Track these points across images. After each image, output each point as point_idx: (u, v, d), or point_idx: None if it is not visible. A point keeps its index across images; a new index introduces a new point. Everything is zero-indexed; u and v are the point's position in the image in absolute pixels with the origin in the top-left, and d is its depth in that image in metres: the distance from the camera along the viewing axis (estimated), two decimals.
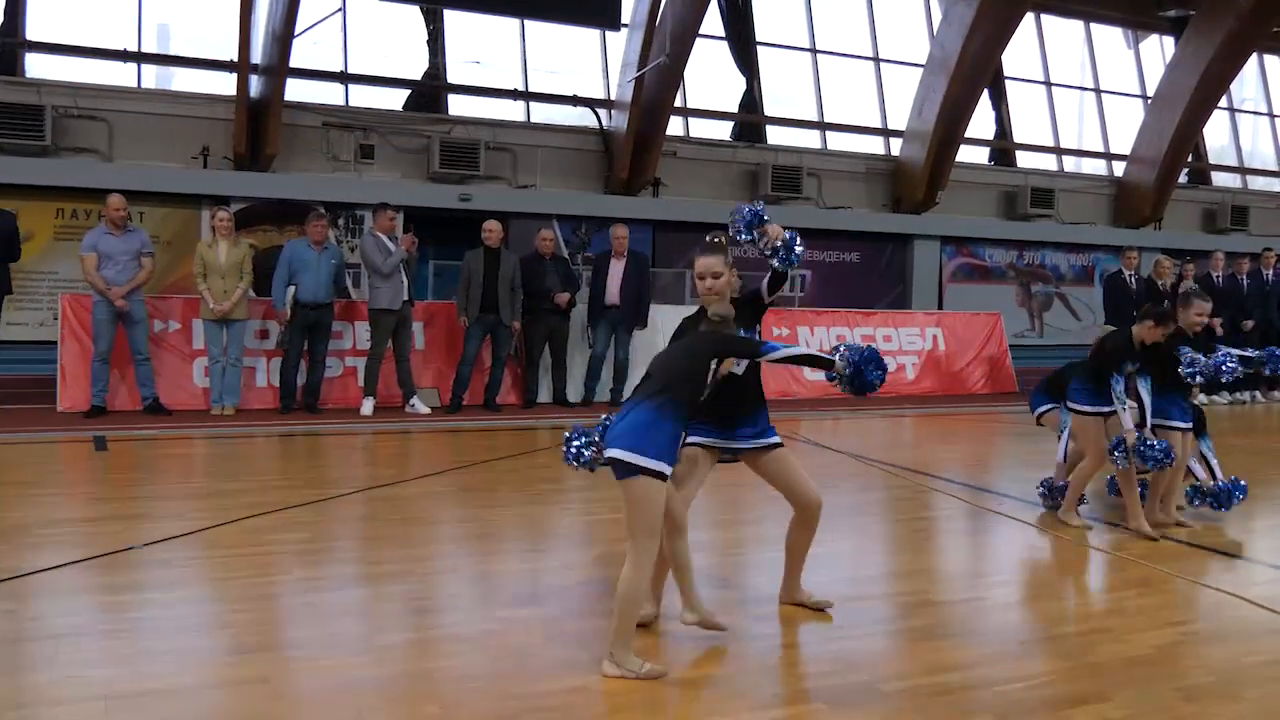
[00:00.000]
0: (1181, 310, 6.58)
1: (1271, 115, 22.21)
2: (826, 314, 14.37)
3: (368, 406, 10.90)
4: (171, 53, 14.22)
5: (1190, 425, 6.73)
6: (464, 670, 3.93)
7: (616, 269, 12.04)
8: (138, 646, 4.13)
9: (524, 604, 4.73)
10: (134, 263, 10.26)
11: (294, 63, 13.27)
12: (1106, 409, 6.44)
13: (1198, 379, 6.41)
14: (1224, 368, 6.36)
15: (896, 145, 17.80)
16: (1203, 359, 6.36)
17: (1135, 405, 6.43)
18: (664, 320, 13.01)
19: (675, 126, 16.12)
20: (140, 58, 13.71)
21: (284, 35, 12.73)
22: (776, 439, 4.64)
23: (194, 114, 13.50)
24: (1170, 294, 13.82)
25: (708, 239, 4.44)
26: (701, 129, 16.84)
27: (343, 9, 14.37)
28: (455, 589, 5.12)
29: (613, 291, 12.01)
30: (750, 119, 16.96)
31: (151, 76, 14.03)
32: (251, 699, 3.63)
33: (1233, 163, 21.73)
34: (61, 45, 13.27)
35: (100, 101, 13.14)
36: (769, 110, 17.19)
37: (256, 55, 13.28)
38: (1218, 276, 14.61)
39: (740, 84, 16.90)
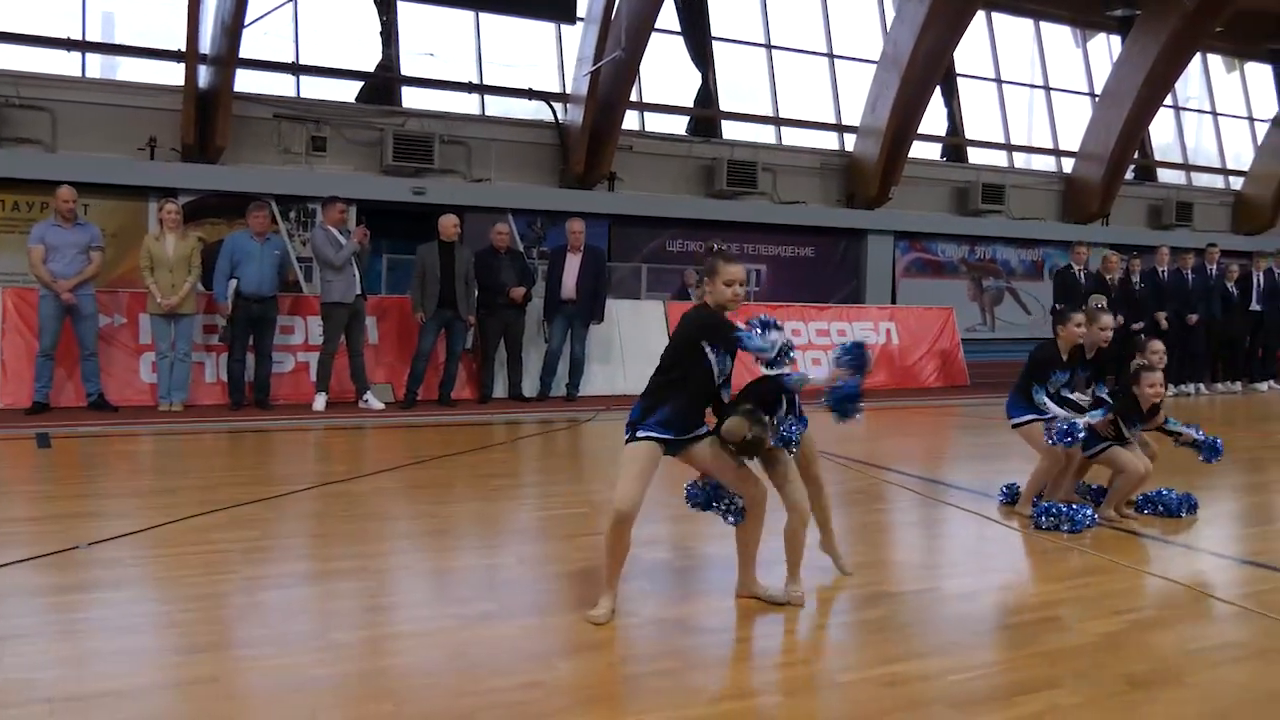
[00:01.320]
0: (1089, 326, 6.65)
1: (1214, 114, 22.56)
2: (781, 308, 14.39)
3: (320, 402, 10.79)
4: (117, 42, 14.00)
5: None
6: (418, 667, 3.90)
7: (573, 263, 12.00)
8: (85, 647, 4.06)
9: (479, 600, 4.70)
10: (82, 256, 10.08)
11: (244, 53, 13.13)
12: (1045, 416, 6.53)
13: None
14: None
15: (850, 141, 17.90)
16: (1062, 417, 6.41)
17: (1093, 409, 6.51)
18: (621, 315, 13.01)
19: (631, 121, 16.11)
20: (85, 46, 13.50)
21: (234, 25, 12.58)
22: (705, 428, 4.68)
23: (140, 104, 13.31)
24: (1119, 288, 14.02)
25: (724, 249, 4.65)
26: (657, 123, 16.84)
27: None
28: (409, 586, 5.08)
29: (569, 286, 11.97)
30: (706, 114, 16.98)
31: (96, 66, 13.82)
32: (202, 699, 3.58)
33: (1177, 160, 22.05)
34: (3, 33, 13.01)
35: (44, 91, 12.92)
36: (724, 105, 17.22)
37: (205, 45, 13.11)
38: (1163, 271, 14.81)
39: (696, 79, 16.91)
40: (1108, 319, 6.80)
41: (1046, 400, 6.50)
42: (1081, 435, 6.28)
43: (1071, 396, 6.72)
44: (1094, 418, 6.38)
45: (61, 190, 10.15)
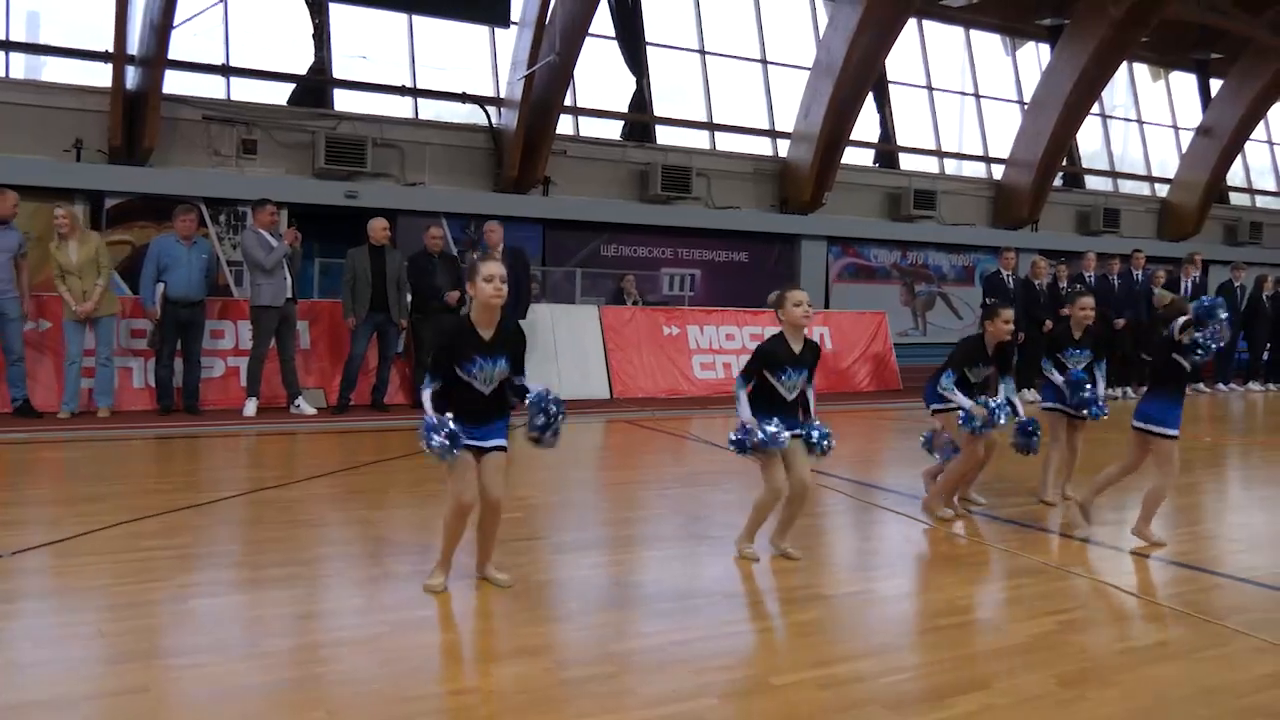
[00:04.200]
0: (988, 321, 6.74)
1: (1141, 122, 23.05)
2: (715, 313, 14.48)
3: (250, 407, 10.65)
4: (42, 42, 13.71)
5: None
6: (352, 674, 3.87)
7: None
8: (8, 658, 3.97)
9: (412, 607, 4.67)
10: (9, 262, 9.89)
11: (173, 54, 12.92)
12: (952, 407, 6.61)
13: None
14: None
15: (784, 146, 18.01)
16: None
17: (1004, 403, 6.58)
18: (555, 320, 12.99)
19: (565, 125, 16.09)
20: (9, 46, 13.20)
21: (162, 26, 12.37)
22: (502, 442, 4.92)
23: (66, 105, 13.02)
24: (1047, 292, 14.28)
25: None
26: (591, 128, 16.84)
27: (224, 0, 14.01)
28: (342, 593, 5.03)
29: None
30: (640, 119, 17.01)
31: (21, 66, 13.53)
32: (132, 709, 3.52)
33: (1105, 167, 22.48)
34: None
35: None
36: (659, 110, 17.26)
37: (133, 46, 12.87)
38: (1090, 276, 15.10)
39: (630, 84, 16.94)
40: (1008, 312, 6.89)
41: (953, 388, 6.55)
42: (1000, 418, 6.39)
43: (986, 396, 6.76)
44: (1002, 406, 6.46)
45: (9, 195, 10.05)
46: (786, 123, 17.93)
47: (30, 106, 12.88)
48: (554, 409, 4.80)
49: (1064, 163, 20.60)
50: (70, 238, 10.19)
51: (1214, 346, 5.96)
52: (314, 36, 14.83)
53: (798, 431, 5.58)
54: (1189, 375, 6.15)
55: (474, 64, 16.06)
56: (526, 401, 4.78)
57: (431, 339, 4.52)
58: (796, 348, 5.54)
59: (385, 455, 8.61)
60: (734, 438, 5.50)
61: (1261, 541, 6.58)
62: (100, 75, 13.14)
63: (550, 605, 4.75)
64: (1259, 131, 23.46)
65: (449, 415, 4.65)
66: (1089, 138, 22.06)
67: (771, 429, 5.38)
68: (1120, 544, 6.23)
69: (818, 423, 5.62)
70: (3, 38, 13.13)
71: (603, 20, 16.05)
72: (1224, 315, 5.94)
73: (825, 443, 5.58)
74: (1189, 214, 22.16)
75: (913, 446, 9.64)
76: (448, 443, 4.58)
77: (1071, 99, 18.90)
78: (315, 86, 14.83)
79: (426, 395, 4.75)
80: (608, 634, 4.33)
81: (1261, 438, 12.09)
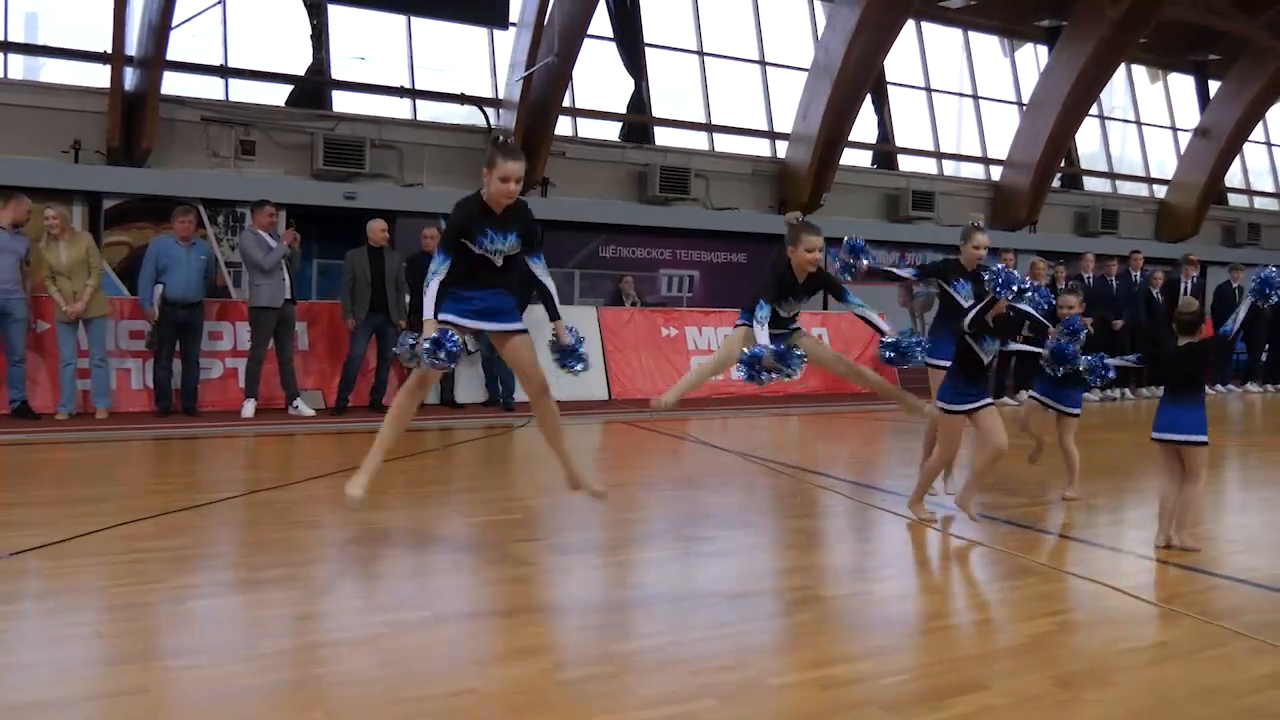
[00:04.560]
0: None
1: (1139, 123, 23.06)
2: (714, 314, 14.48)
3: (249, 408, 10.65)
4: (41, 43, 13.71)
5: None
6: (350, 676, 3.86)
7: None
8: (6, 659, 3.97)
9: (410, 607, 4.66)
10: (16, 265, 9.90)
11: (171, 55, 12.92)
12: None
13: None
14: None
15: (782, 148, 18.02)
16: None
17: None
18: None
19: (564, 126, 16.10)
20: (6, 47, 13.20)
21: (161, 27, 12.38)
22: (520, 325, 5.33)
23: (65, 107, 13.02)
24: None
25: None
26: (590, 129, 16.84)
27: (222, 1, 14.00)
28: (340, 593, 5.03)
29: None
30: (638, 120, 17.01)
31: (19, 67, 13.52)
32: (130, 710, 3.51)
33: (1103, 168, 22.50)
34: None
35: None
36: (657, 111, 17.26)
37: (132, 47, 12.87)
38: (1088, 278, 15.10)
39: (628, 85, 16.94)
40: (981, 237, 6.95)
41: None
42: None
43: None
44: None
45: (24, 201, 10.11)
46: (785, 124, 17.94)
47: (28, 107, 12.87)
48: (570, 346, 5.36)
49: (1062, 164, 20.61)
50: (60, 238, 10.18)
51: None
52: (312, 38, 14.83)
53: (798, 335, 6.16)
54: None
55: (472, 65, 16.07)
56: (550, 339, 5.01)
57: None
58: (801, 279, 6.09)
59: (384, 457, 8.58)
60: (746, 359, 5.64)
61: (1260, 542, 6.58)
62: (99, 76, 13.13)
63: (548, 605, 4.75)
64: (1257, 133, 23.46)
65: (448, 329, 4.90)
66: (1087, 139, 22.08)
67: (785, 349, 5.62)
68: (1118, 545, 6.24)
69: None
70: (1, 38, 13.12)
71: (601, 21, 16.05)
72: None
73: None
74: (1187, 215, 22.17)
75: (911, 448, 9.64)
76: (438, 352, 4.81)
77: (1070, 100, 18.92)
78: (314, 88, 14.83)
79: (434, 286, 4.85)
80: (606, 635, 4.33)
81: (1260, 439, 12.10)
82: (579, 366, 5.42)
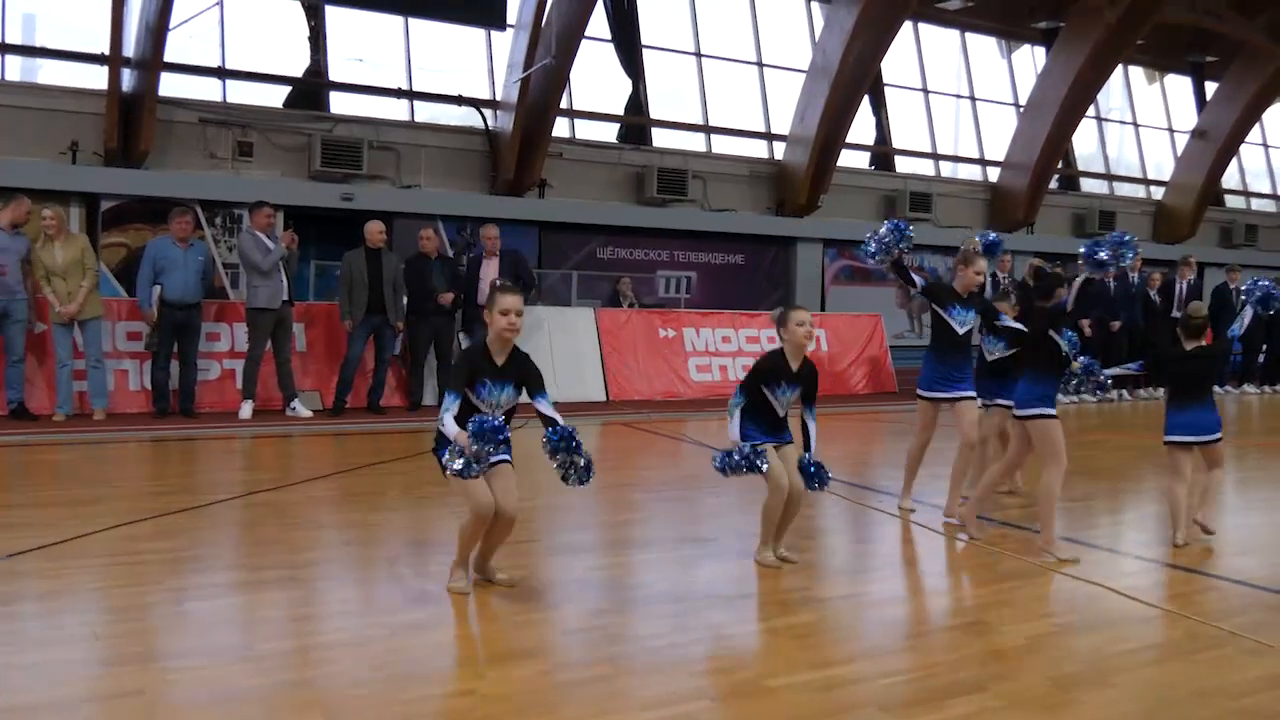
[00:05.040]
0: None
1: (1136, 125, 23.09)
2: (712, 315, 14.48)
3: (246, 410, 10.63)
4: (38, 44, 13.71)
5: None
6: (348, 677, 3.86)
7: (489, 269, 11.90)
8: (5, 661, 3.96)
9: (408, 609, 4.66)
10: (18, 265, 9.90)
11: (169, 57, 12.93)
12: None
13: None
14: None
15: (780, 149, 18.04)
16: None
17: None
18: (551, 322, 12.96)
19: (561, 128, 16.10)
20: (5, 49, 13.20)
21: (158, 28, 12.38)
22: (506, 456, 4.90)
23: (62, 108, 13.04)
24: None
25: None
26: (587, 131, 16.85)
27: (220, 3, 14.01)
28: (337, 595, 5.03)
29: (485, 292, 11.86)
30: (636, 121, 17.02)
31: (17, 68, 13.52)
32: (127, 712, 3.52)
33: (1100, 170, 22.52)
34: None
35: None
36: (654, 113, 17.28)
37: (129, 48, 12.88)
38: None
39: (626, 86, 16.95)
40: (981, 261, 6.86)
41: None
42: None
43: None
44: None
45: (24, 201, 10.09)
46: (782, 125, 17.95)
47: (26, 109, 12.88)
48: (571, 446, 4.60)
49: (1059, 165, 20.64)
50: (56, 239, 10.17)
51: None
52: (310, 39, 14.84)
53: (787, 439, 5.59)
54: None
55: (470, 67, 16.08)
56: (544, 440, 4.63)
57: (454, 359, 4.54)
58: (795, 365, 5.54)
59: (381, 458, 8.60)
60: (718, 464, 5.42)
61: (1257, 544, 6.58)
62: (96, 78, 13.14)
63: (547, 607, 4.75)
64: (1254, 134, 23.51)
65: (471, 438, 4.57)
66: (1084, 140, 22.12)
67: (750, 452, 5.34)
68: (1116, 546, 6.24)
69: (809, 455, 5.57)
70: (0, 40, 13.12)
71: (599, 23, 16.08)
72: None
73: (822, 475, 5.54)
74: (1184, 217, 22.21)
75: (906, 449, 9.65)
76: (474, 464, 4.54)
77: (1067, 102, 18.95)
78: (311, 89, 14.84)
79: (448, 418, 4.73)
80: (604, 636, 4.33)
81: (1257, 440, 12.10)
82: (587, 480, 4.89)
